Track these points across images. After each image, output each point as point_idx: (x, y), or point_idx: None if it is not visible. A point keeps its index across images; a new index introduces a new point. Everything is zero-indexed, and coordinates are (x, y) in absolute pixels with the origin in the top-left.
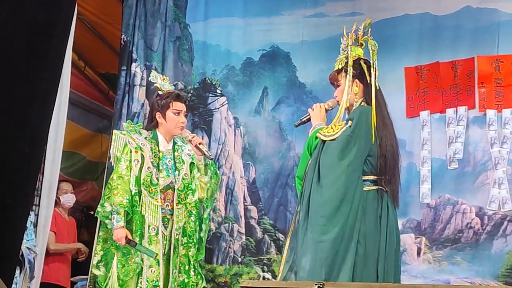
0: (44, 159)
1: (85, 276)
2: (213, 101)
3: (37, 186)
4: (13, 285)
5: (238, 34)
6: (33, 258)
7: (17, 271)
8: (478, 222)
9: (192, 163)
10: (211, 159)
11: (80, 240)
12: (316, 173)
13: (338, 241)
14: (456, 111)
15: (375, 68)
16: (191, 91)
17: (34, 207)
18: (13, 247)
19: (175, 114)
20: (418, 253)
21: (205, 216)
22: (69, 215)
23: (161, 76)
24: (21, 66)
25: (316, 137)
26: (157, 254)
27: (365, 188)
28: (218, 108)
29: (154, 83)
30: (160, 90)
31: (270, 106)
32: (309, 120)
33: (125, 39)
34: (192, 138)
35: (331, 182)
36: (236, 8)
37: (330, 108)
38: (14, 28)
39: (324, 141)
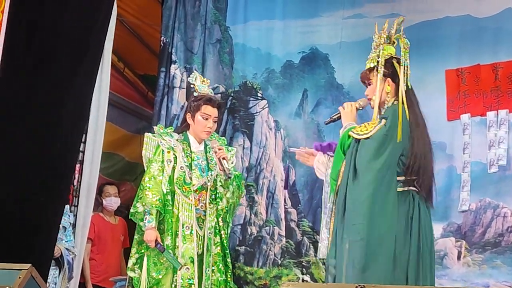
0: (83, 160)
1: (124, 277)
2: (254, 105)
3: (75, 186)
4: (52, 286)
5: (277, 37)
6: (72, 259)
7: (56, 272)
8: None
9: None
10: (229, 177)
11: None
12: (352, 172)
13: (373, 242)
14: (497, 114)
15: (407, 66)
16: (232, 94)
17: (73, 208)
18: (47, 242)
19: (203, 118)
20: (459, 257)
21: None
22: (115, 216)
23: (201, 78)
24: (57, 64)
25: (349, 136)
26: (181, 266)
27: (398, 189)
28: (259, 112)
29: (192, 84)
30: (196, 91)
31: (309, 108)
32: (339, 118)
33: (164, 40)
34: (219, 150)
35: (368, 182)
36: (275, 10)
37: (361, 108)
38: (55, 26)
39: (358, 140)
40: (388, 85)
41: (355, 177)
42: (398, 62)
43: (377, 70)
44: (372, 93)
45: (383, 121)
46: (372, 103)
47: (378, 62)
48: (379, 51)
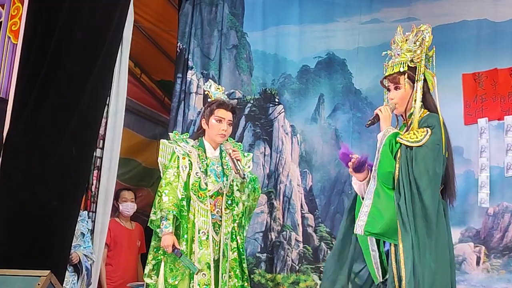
0: (101, 166)
1: (142, 282)
2: (272, 111)
3: (93, 193)
4: None
5: (294, 42)
6: (90, 265)
7: (75, 278)
8: None
9: None
10: (242, 178)
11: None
12: (413, 182)
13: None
14: None
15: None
16: (251, 101)
17: (91, 214)
18: (62, 246)
19: (217, 121)
20: (478, 262)
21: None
22: (131, 221)
23: (216, 85)
24: (72, 69)
25: (396, 142)
26: (199, 270)
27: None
28: (277, 117)
29: (207, 91)
30: (211, 98)
31: (326, 113)
32: (378, 120)
33: (181, 46)
34: (233, 151)
35: (423, 189)
36: (291, 15)
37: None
38: (70, 31)
39: (409, 147)
40: (416, 92)
41: (416, 187)
42: (429, 70)
43: (409, 77)
44: (401, 99)
45: (429, 130)
46: (399, 107)
47: (410, 67)
48: (412, 56)
